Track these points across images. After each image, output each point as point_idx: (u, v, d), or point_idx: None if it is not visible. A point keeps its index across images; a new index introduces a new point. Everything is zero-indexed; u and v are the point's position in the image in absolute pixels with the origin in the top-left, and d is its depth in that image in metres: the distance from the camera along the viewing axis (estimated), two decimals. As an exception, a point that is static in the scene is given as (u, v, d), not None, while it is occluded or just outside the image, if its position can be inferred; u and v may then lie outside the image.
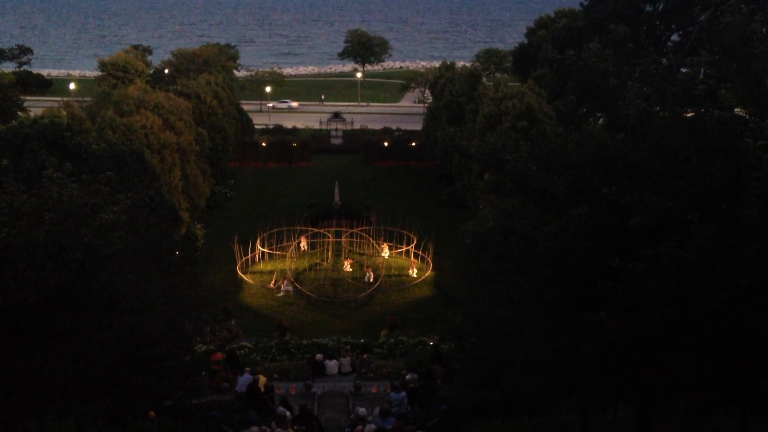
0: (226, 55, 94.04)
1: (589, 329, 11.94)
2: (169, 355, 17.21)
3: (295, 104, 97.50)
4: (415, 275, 40.30)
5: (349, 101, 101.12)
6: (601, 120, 15.29)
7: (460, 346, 21.19)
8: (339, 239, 42.93)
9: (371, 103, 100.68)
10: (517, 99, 43.57)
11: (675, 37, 65.07)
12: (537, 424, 20.79)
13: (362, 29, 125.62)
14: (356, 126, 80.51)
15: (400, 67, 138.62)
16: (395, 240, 43.04)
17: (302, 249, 42.98)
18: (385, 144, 68.13)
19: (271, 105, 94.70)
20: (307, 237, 43.49)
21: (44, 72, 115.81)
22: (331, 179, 53.81)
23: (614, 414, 19.30)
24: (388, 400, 24.16)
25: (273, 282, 39.05)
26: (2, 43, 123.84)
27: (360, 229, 43.61)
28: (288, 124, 78.29)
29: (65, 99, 52.08)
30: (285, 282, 38.56)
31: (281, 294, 38.09)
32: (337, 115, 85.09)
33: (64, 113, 39.16)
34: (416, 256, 41.77)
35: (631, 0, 61.84)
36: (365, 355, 30.74)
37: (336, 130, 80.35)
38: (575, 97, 14.71)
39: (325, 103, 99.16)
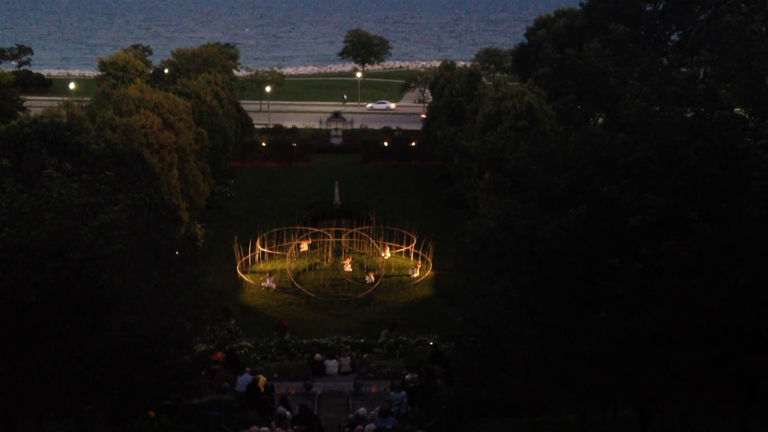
0: (226, 55, 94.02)
1: (589, 329, 11.95)
2: (169, 354, 17.21)
3: (392, 105, 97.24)
4: (416, 275, 40.32)
5: (350, 101, 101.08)
6: (600, 119, 15.26)
7: (460, 346, 21.21)
8: (339, 239, 42.94)
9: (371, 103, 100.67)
10: (517, 99, 43.58)
11: (675, 36, 65.08)
12: (537, 423, 20.80)
13: (362, 29, 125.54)
14: (356, 126, 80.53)
15: (400, 67, 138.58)
16: (395, 239, 43.05)
17: (302, 249, 43.05)
18: (385, 144, 68.15)
19: (368, 106, 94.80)
20: (307, 239, 43.53)
21: (44, 72, 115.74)
22: (330, 179, 53.82)
23: (614, 414, 19.31)
24: (388, 399, 24.16)
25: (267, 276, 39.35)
26: (2, 42, 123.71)
27: (360, 228, 43.62)
28: (288, 124, 78.33)
29: (65, 99, 52.03)
30: (269, 279, 38.76)
31: (274, 289, 38.34)
32: (337, 115, 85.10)
33: (64, 113, 39.14)
34: (416, 255, 41.76)
35: (631, -1, 61.87)
36: (365, 355, 30.74)
37: (336, 129, 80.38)
38: (575, 96, 14.69)
39: (325, 103, 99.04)
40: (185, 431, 21.22)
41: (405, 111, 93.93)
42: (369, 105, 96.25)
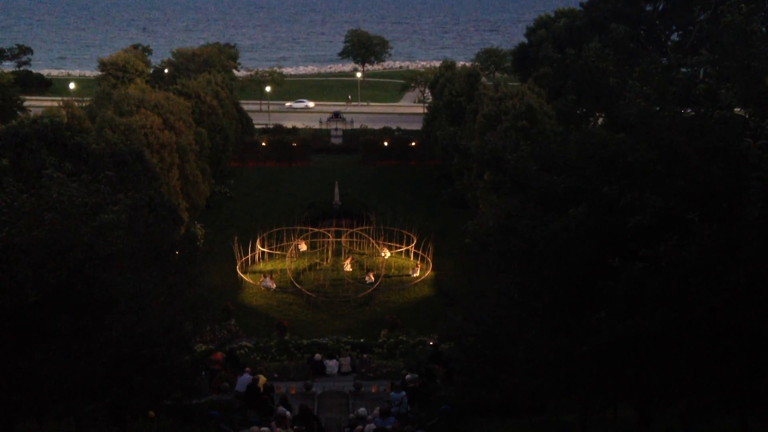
0: (226, 55, 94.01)
1: (589, 329, 11.94)
2: (169, 354, 17.20)
3: (311, 104, 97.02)
4: (416, 275, 40.31)
5: (352, 101, 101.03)
6: (601, 119, 15.26)
7: (460, 346, 21.19)
8: (339, 239, 42.94)
9: (371, 103, 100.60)
10: (517, 98, 43.57)
11: (675, 36, 65.20)
12: (537, 423, 20.78)
13: (362, 29, 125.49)
14: (356, 126, 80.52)
15: (400, 67, 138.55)
16: (395, 239, 43.05)
17: (301, 250, 43.05)
18: (385, 144, 68.14)
19: (288, 105, 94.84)
20: (306, 239, 43.53)
21: (44, 72, 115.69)
22: (330, 179, 53.81)
23: (614, 414, 19.29)
24: (388, 399, 24.16)
25: (262, 278, 39.41)
26: (2, 42, 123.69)
27: (360, 228, 43.61)
28: (288, 124, 78.33)
29: (65, 99, 52.05)
30: (268, 278, 38.89)
31: (273, 288, 38.32)
32: (337, 115, 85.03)
33: (64, 113, 39.18)
34: (416, 255, 41.75)
35: (631, -1, 61.97)
36: (365, 355, 30.74)
37: (336, 129, 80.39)
38: (575, 96, 14.69)
39: (325, 103, 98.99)
40: (185, 431, 21.22)
41: (404, 111, 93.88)
42: (288, 104, 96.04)
